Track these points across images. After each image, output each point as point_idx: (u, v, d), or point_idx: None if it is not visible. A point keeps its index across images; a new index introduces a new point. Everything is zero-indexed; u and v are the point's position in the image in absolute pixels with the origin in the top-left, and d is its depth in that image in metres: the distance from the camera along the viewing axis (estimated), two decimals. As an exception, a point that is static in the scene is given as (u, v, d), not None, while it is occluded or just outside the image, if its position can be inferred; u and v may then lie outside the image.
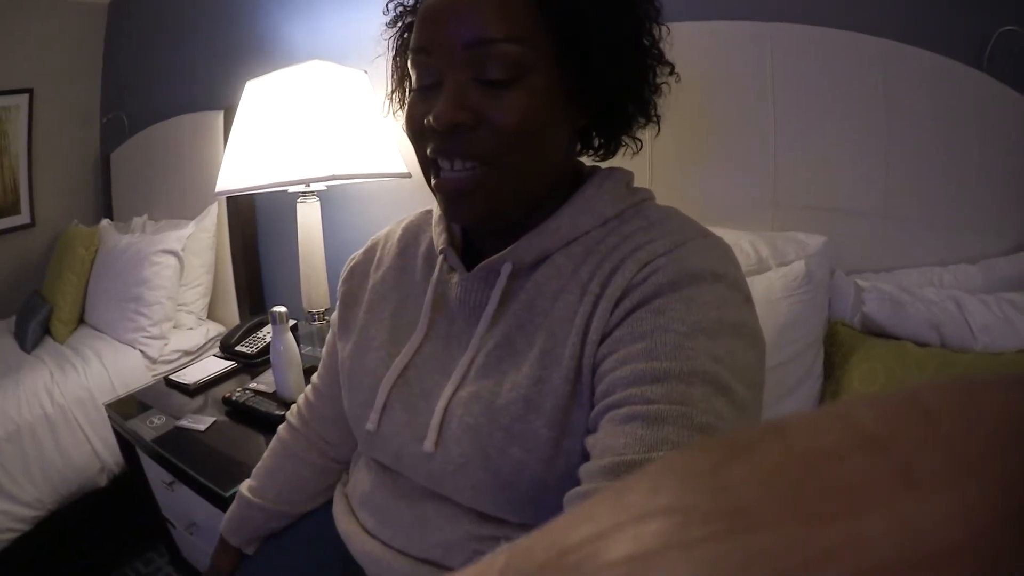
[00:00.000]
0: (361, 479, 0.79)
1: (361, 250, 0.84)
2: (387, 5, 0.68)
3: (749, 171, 1.38)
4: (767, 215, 1.36)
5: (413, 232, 0.79)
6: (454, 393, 0.63)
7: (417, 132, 0.61)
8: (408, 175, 1.55)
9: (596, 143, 0.69)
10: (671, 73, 0.66)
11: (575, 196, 0.63)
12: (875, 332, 1.18)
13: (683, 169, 1.42)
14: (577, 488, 0.48)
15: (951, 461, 0.10)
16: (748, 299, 0.56)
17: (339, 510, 0.81)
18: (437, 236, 0.71)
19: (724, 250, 0.58)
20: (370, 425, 0.69)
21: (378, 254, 0.81)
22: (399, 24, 0.68)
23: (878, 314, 1.17)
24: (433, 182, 0.62)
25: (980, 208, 1.30)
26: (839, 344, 1.18)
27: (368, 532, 0.74)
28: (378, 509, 0.73)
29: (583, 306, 0.57)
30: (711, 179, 1.39)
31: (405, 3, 0.67)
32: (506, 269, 0.63)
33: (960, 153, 1.28)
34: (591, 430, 0.53)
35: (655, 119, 0.68)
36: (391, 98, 0.74)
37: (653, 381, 0.48)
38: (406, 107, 0.64)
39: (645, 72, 0.63)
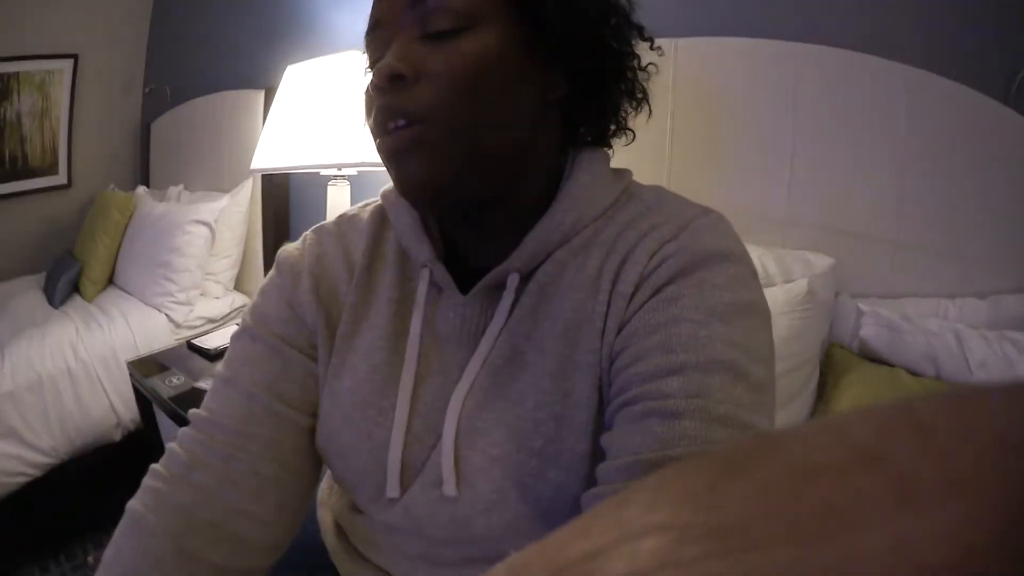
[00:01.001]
0: (346, 508, 0.68)
1: (306, 257, 0.65)
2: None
3: (764, 187, 1.39)
4: (778, 232, 1.36)
5: (374, 238, 0.65)
6: (458, 424, 0.56)
7: (367, 105, 0.55)
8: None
9: (587, 138, 0.64)
10: (652, 48, 0.61)
11: (568, 186, 0.57)
12: (871, 357, 1.19)
13: (699, 179, 1.44)
14: (594, 489, 0.47)
15: (946, 476, 0.10)
16: (755, 274, 0.54)
17: (326, 530, 0.72)
18: (415, 245, 0.61)
19: (726, 225, 0.56)
20: (392, 492, 0.57)
21: (339, 265, 0.64)
22: None
23: (874, 339, 1.18)
24: (377, 144, 0.55)
25: (995, 243, 1.28)
26: (834, 365, 1.19)
27: (361, 555, 0.67)
28: (374, 542, 0.65)
29: (597, 305, 0.53)
30: (726, 192, 1.41)
31: None
32: (513, 280, 0.56)
33: (979, 186, 1.26)
34: (607, 427, 0.50)
35: (643, 98, 0.62)
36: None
37: (669, 374, 0.46)
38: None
39: (618, 34, 0.57)
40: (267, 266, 2.28)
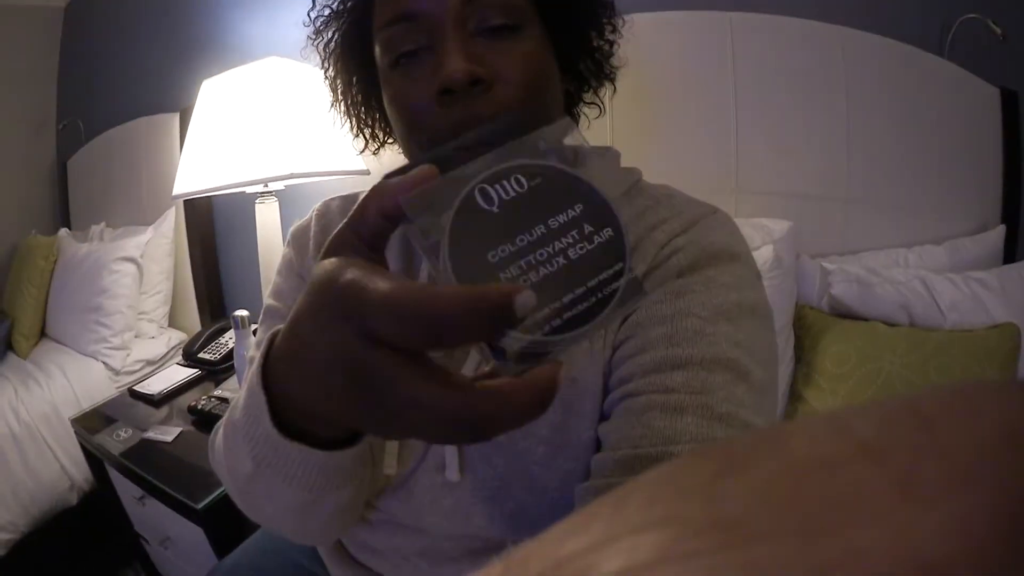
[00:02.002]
0: None
1: (313, 226, 0.69)
2: (308, 13, 0.62)
3: (710, 158, 1.39)
4: (729, 201, 1.36)
5: None
6: None
7: (413, 111, 0.53)
8: (367, 172, 1.52)
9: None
10: (614, 31, 0.63)
11: None
12: (843, 314, 1.19)
13: (644, 156, 1.41)
14: (588, 483, 0.47)
15: (950, 470, 0.10)
16: (759, 276, 0.55)
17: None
18: None
19: (734, 226, 0.57)
20: (388, 469, 0.58)
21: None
22: (338, 23, 0.60)
23: (846, 296, 1.18)
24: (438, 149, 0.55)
25: (943, 190, 1.33)
26: (808, 327, 1.18)
27: (357, 561, 0.65)
28: (368, 539, 0.64)
29: None
30: (672, 166, 1.39)
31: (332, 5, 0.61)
32: None
33: (922, 137, 1.31)
34: (605, 416, 0.50)
35: (612, 76, 0.65)
36: (338, 106, 0.66)
37: (673, 368, 0.46)
38: (388, 88, 0.55)
39: (604, 31, 0.61)
40: (199, 299, 2.22)
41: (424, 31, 0.50)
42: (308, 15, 0.61)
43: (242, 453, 0.41)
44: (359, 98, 0.63)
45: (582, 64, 0.60)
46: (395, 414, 0.26)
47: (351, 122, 0.66)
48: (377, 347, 0.25)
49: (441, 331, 0.24)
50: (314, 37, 0.62)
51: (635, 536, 0.12)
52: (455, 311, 0.23)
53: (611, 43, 0.62)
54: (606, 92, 0.66)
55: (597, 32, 0.60)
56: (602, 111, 0.66)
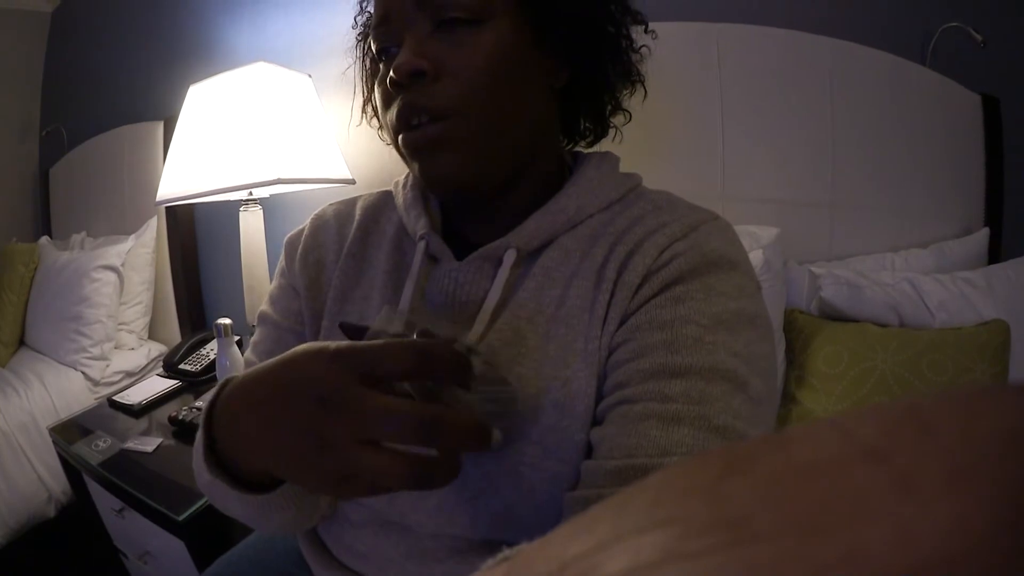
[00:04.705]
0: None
1: (306, 231, 0.70)
2: (355, 18, 0.66)
3: (697, 166, 1.40)
4: (717, 209, 1.35)
5: (373, 215, 0.69)
6: None
7: (383, 99, 0.57)
8: (352, 181, 1.51)
9: (583, 127, 0.67)
10: (646, 31, 0.63)
11: (576, 177, 0.60)
12: (833, 317, 1.20)
13: (631, 164, 1.41)
14: (578, 492, 0.46)
15: (949, 470, 0.10)
16: (759, 286, 0.54)
17: (308, 545, 0.69)
18: (413, 221, 0.63)
19: (733, 233, 0.56)
20: None
21: (331, 238, 0.68)
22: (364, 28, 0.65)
23: (836, 298, 1.18)
24: (400, 138, 0.56)
25: (927, 195, 1.34)
26: (798, 331, 1.19)
27: (343, 565, 0.64)
28: (354, 542, 0.62)
29: (601, 294, 0.53)
30: (659, 175, 1.39)
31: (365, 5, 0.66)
32: (510, 256, 0.57)
33: (906, 144, 1.33)
34: (598, 420, 0.50)
35: (639, 79, 0.65)
36: (364, 109, 0.70)
37: (672, 376, 0.46)
38: (373, 80, 0.61)
39: (614, 19, 0.59)
40: (180, 310, 2.20)
41: (395, 31, 0.54)
42: (355, 20, 0.67)
43: (199, 466, 0.48)
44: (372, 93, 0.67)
45: (607, 64, 0.60)
46: (356, 455, 0.33)
47: (376, 118, 0.69)
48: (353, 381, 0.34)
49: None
50: (359, 37, 0.67)
51: (639, 536, 0.12)
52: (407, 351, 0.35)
53: (630, 43, 0.62)
54: (630, 93, 0.67)
55: (608, 28, 0.59)
56: (629, 119, 0.70)
